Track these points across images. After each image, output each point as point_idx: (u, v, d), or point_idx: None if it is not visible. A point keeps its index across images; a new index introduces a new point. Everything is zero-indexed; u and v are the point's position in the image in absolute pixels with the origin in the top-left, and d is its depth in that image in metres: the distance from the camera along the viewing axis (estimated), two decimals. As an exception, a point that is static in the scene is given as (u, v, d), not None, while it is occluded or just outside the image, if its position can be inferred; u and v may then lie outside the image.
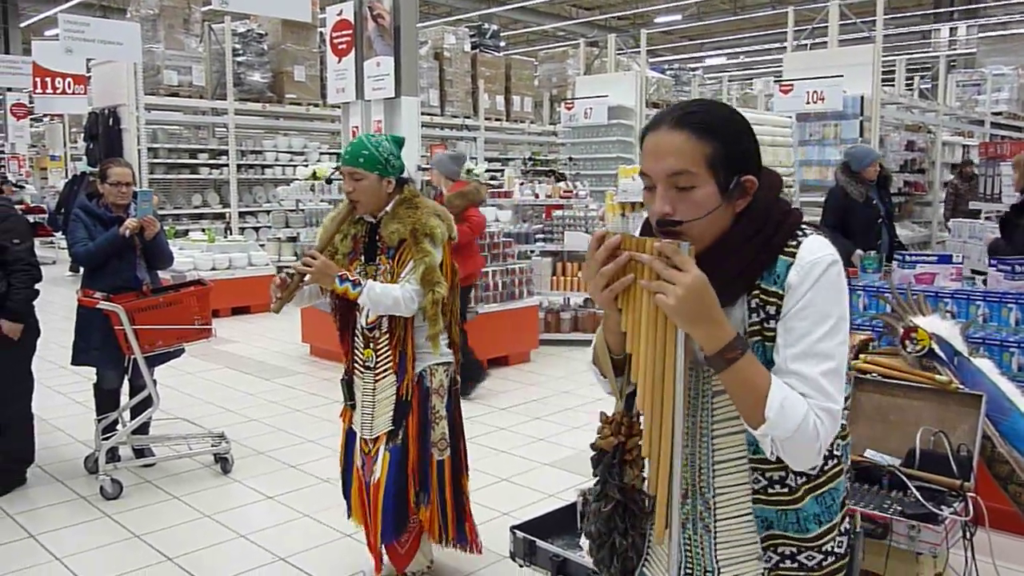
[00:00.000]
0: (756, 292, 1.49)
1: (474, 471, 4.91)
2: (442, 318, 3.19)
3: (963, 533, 2.64)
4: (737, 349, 1.41)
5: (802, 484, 1.54)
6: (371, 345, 3.22)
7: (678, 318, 1.39)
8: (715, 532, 1.60)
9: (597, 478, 1.67)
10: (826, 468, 1.56)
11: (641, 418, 1.54)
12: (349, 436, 3.39)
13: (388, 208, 3.18)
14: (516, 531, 2.99)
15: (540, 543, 2.90)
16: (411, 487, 3.24)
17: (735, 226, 1.51)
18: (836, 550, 1.59)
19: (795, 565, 1.57)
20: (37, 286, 4.49)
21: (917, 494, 2.62)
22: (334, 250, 3.21)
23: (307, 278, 3.09)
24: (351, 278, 3.08)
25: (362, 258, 3.21)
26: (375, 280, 3.12)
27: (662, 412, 1.44)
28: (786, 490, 1.54)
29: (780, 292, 1.47)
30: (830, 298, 1.46)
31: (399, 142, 3.27)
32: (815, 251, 1.48)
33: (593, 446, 1.67)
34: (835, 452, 1.58)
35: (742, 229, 1.50)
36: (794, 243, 1.50)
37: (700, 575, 1.64)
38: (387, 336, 3.19)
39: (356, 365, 3.29)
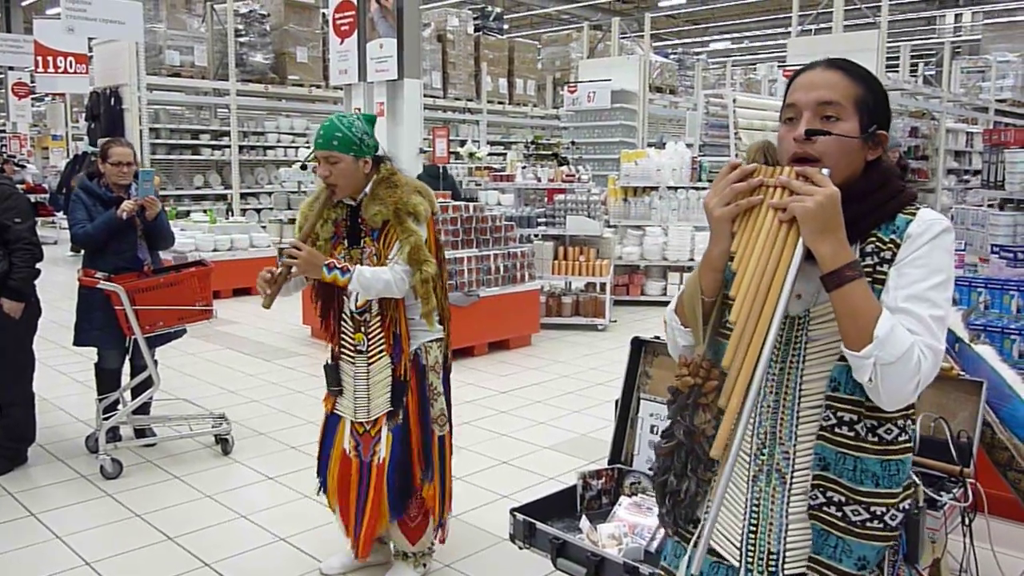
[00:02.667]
0: (872, 239, 1.57)
1: (475, 454, 4.94)
2: (434, 295, 3.16)
3: (962, 519, 2.64)
4: (856, 270, 1.47)
5: (873, 441, 1.56)
6: (362, 329, 3.19)
7: (811, 224, 1.45)
8: (791, 483, 1.62)
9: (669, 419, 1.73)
10: (899, 439, 1.59)
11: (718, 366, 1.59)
12: (330, 420, 3.37)
13: (367, 189, 3.14)
14: (516, 513, 2.99)
15: (540, 525, 2.90)
16: (416, 464, 3.23)
17: (865, 172, 1.61)
18: (888, 520, 1.58)
19: (839, 515, 1.57)
20: (38, 265, 4.48)
21: (916, 480, 2.63)
22: (316, 237, 3.14)
23: (294, 270, 3.04)
24: (339, 265, 3.04)
25: (345, 242, 3.16)
26: (361, 264, 3.09)
27: (756, 325, 1.47)
28: (852, 433, 1.56)
29: (898, 240, 1.55)
30: (944, 258, 1.54)
31: (371, 120, 3.22)
32: (934, 215, 1.58)
33: (670, 388, 1.71)
34: (907, 430, 1.60)
35: (872, 176, 1.60)
36: (913, 208, 1.59)
37: (765, 530, 1.64)
38: (378, 319, 3.16)
39: (345, 350, 3.26)
